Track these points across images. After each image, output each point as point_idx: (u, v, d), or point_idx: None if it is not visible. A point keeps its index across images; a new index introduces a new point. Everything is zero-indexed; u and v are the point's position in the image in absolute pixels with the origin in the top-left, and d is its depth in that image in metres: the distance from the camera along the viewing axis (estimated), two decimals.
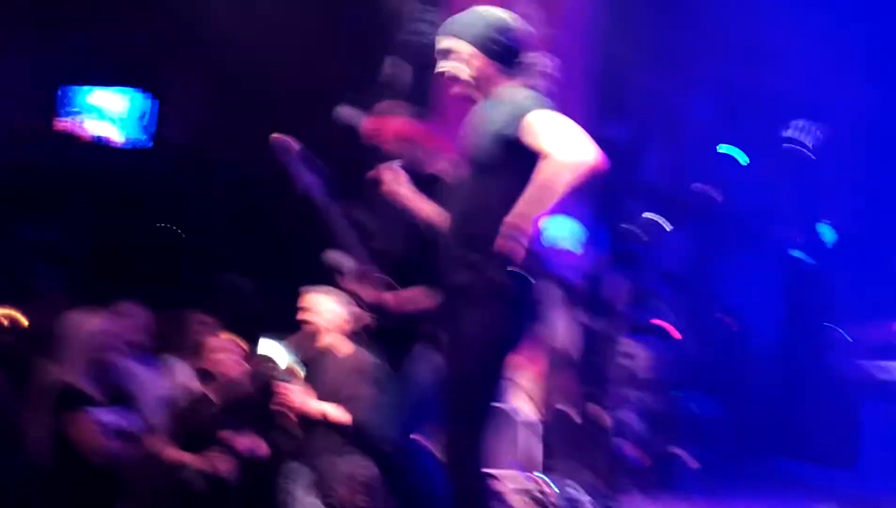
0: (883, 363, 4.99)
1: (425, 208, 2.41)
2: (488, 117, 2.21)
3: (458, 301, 2.16)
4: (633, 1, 5.07)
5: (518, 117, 2.14)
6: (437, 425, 2.29)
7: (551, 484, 3.51)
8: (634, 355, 4.53)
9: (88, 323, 3.04)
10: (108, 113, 8.12)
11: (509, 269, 2.08)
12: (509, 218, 2.07)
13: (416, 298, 2.53)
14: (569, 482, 3.60)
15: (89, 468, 2.93)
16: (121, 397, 3.10)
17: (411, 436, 2.55)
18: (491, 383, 2.18)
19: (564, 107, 2.24)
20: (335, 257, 2.77)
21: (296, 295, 3.56)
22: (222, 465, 3.23)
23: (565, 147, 2.06)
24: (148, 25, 7.11)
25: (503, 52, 2.25)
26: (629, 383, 4.39)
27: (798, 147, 5.76)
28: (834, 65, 5.50)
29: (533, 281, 2.16)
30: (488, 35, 2.25)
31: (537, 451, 3.71)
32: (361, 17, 5.55)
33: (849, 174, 6.13)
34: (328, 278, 3.91)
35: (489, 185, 2.17)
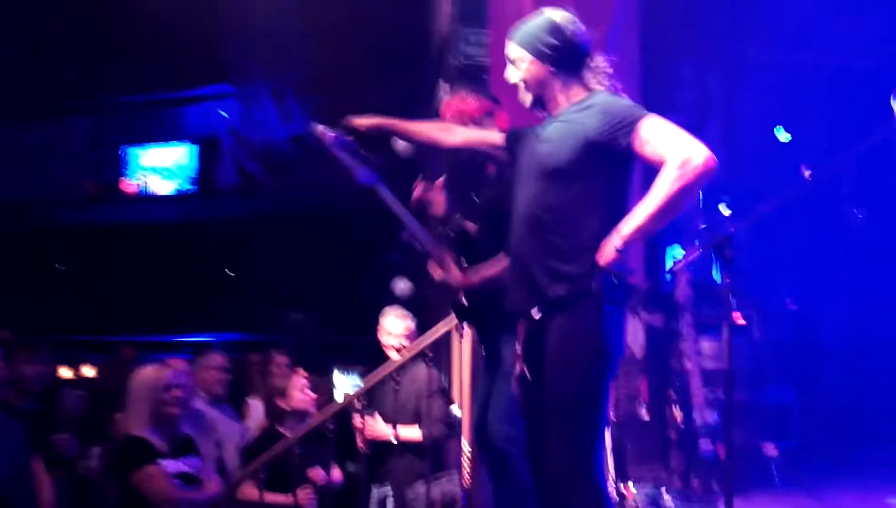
0: None
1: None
2: (574, 124, 2.16)
3: (558, 315, 2.10)
4: None
5: (621, 124, 2.10)
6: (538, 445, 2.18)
7: (631, 488, 3.47)
8: (703, 350, 4.44)
9: (154, 375, 3.11)
10: (163, 168, 8.48)
11: (607, 277, 2.05)
12: (625, 231, 2.04)
13: (499, 274, 2.45)
14: (648, 484, 3.55)
15: None
16: (190, 446, 3.14)
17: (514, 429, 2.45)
18: (601, 399, 2.11)
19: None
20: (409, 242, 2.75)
21: (358, 325, 3.65)
22: (306, 501, 3.30)
23: (687, 154, 2.02)
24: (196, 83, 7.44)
25: (558, 56, 2.20)
26: (702, 379, 4.31)
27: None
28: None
29: (628, 288, 2.13)
30: (540, 38, 2.20)
31: (610, 456, 3.67)
32: (412, 42, 5.68)
33: None
34: (390, 302, 4.00)
35: (574, 193, 2.13)
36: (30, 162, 8.52)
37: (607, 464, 3.47)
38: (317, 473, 3.41)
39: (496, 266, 2.50)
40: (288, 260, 8.86)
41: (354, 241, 7.52)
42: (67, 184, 8.46)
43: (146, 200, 8.37)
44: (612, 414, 3.69)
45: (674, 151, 2.04)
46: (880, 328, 5.72)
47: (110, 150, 8.39)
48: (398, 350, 3.53)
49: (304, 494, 3.29)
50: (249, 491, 3.29)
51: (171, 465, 3.03)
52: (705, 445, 3.62)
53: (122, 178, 8.44)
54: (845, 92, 5.61)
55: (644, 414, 4.02)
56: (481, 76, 4.12)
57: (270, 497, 3.28)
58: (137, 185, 8.49)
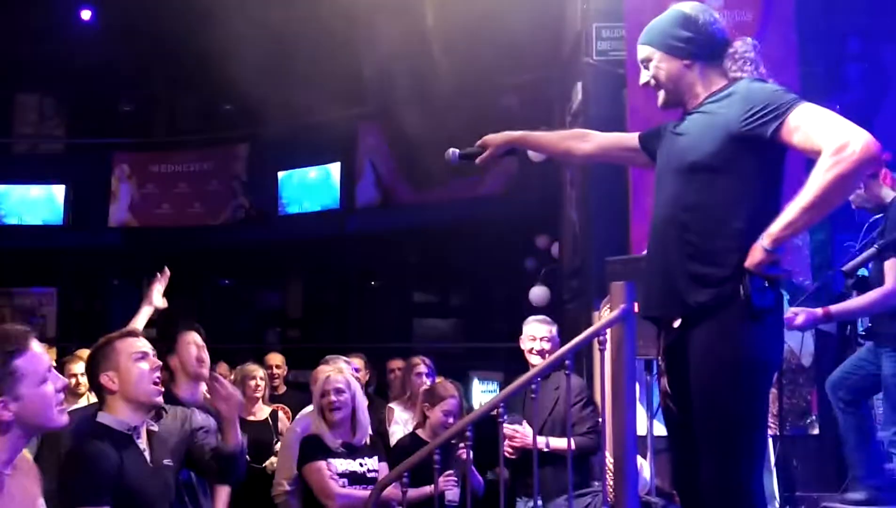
0: None
1: None
2: (714, 115, 2.01)
3: (702, 323, 1.96)
4: None
5: (766, 112, 1.93)
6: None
7: None
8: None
9: (319, 377, 3.28)
10: (308, 187, 8.96)
11: (757, 281, 1.89)
12: (775, 229, 1.87)
13: None
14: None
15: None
16: (369, 448, 3.28)
17: None
18: (756, 417, 1.95)
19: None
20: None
21: (495, 332, 3.63)
22: (447, 485, 3.28)
23: (844, 139, 1.83)
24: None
25: (693, 48, 2.07)
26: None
27: None
28: None
29: (782, 292, 1.99)
30: (669, 33, 2.09)
31: (774, 479, 3.38)
32: (545, 44, 5.65)
33: None
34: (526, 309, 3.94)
35: (716, 189, 1.97)
36: (196, 187, 9.30)
37: (770, 488, 3.21)
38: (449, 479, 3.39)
39: None
40: (425, 270, 9.07)
41: (491, 249, 7.56)
42: (228, 207, 9.16)
43: (296, 218, 8.87)
44: (775, 430, 3.41)
45: (829, 137, 1.86)
46: None
47: (265, 174, 8.98)
48: (541, 355, 3.46)
49: (445, 479, 3.26)
50: (392, 492, 3.34)
51: (343, 464, 3.16)
52: (891, 465, 3.24)
53: (275, 200, 9.00)
54: None
55: (814, 430, 3.68)
56: (618, 71, 4.00)
57: (413, 493, 3.31)
58: (286, 205, 9.03)
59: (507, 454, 3.28)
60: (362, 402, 3.32)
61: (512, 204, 7.02)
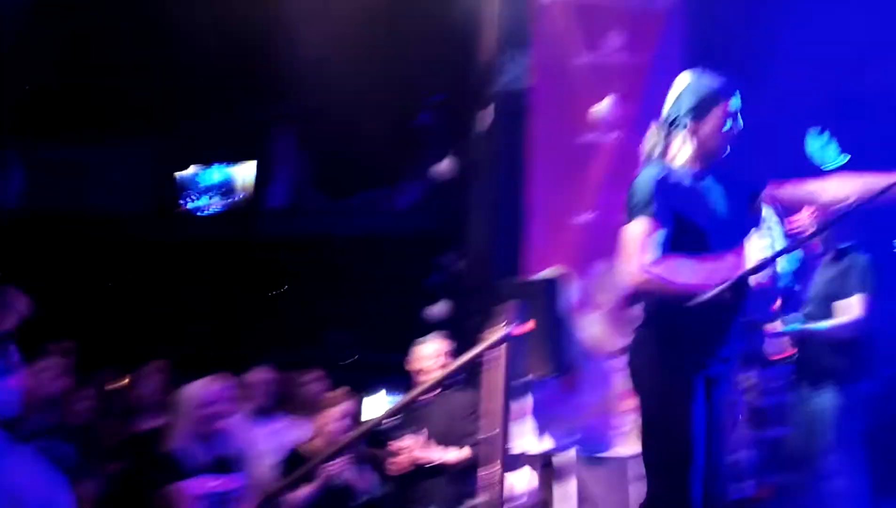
0: None
1: None
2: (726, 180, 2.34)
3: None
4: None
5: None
6: None
7: None
8: (751, 387, 4.29)
9: (198, 391, 3.17)
10: (218, 188, 8.73)
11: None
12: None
13: None
14: None
15: None
16: (228, 461, 3.17)
17: None
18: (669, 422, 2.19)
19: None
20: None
21: (396, 347, 3.68)
22: (336, 470, 3.23)
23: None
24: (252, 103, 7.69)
25: None
26: (748, 417, 4.14)
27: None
28: None
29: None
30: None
31: None
32: (451, 67, 5.75)
33: None
34: (427, 328, 4.03)
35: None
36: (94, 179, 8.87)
37: None
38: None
39: None
40: (330, 281, 8.99)
41: (400, 262, 7.60)
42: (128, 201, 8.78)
43: (199, 218, 8.62)
44: None
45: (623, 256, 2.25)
46: None
47: (171, 170, 8.69)
48: (431, 371, 3.53)
49: (332, 466, 3.23)
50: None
51: (204, 482, 3.06)
52: (746, 488, 3.46)
53: (178, 196, 8.72)
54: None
55: None
56: (522, 104, 4.13)
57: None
58: (191, 203, 8.77)
59: (392, 469, 3.33)
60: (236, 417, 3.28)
61: (420, 219, 7.11)
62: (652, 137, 2.35)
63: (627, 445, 3.32)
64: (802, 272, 3.60)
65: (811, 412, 3.42)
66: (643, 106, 4.12)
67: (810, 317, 3.50)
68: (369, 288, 8.60)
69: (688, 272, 2.13)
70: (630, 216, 2.21)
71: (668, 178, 2.25)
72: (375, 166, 7.29)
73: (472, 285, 5.37)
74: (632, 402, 3.01)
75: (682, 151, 2.30)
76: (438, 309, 6.10)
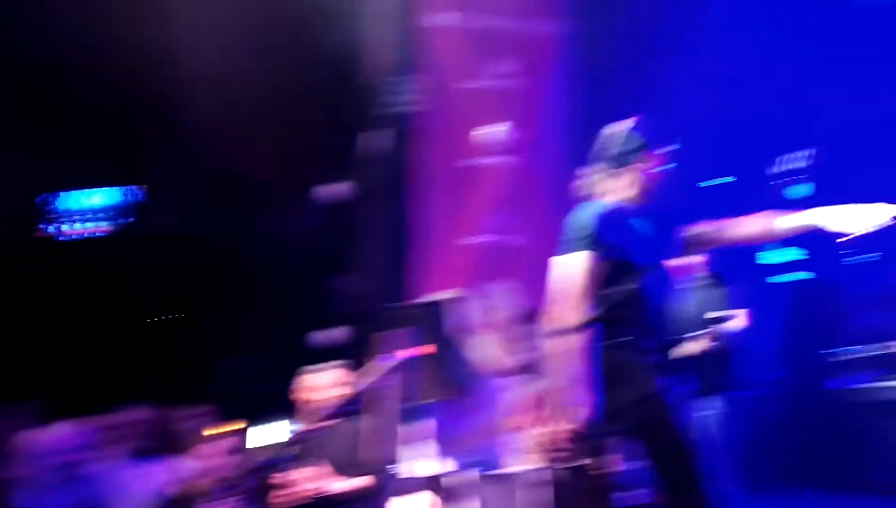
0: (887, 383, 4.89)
1: None
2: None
3: None
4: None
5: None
6: None
7: None
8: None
9: (48, 437, 2.98)
10: (88, 211, 8.26)
11: None
12: None
13: None
14: None
15: None
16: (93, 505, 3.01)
17: None
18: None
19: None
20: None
21: (290, 375, 3.58)
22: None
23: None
24: (126, 125, 7.34)
25: None
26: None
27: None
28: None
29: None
30: None
31: None
32: (337, 91, 5.73)
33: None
34: (321, 356, 3.95)
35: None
36: None
37: None
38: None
39: None
40: (228, 305, 8.66)
41: (298, 287, 7.44)
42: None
43: (75, 243, 8.11)
44: (548, 470, 3.64)
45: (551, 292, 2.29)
46: (809, 367, 5.80)
47: (46, 193, 8.14)
48: (323, 402, 3.46)
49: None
50: None
51: None
52: (638, 496, 3.57)
53: (51, 222, 8.18)
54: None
55: (583, 468, 3.91)
56: (406, 126, 4.16)
57: None
58: (65, 229, 8.24)
59: (282, 503, 3.23)
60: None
61: (317, 243, 6.98)
62: (589, 176, 2.46)
63: (524, 461, 3.38)
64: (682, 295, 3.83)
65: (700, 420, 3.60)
66: (533, 130, 4.25)
67: (689, 335, 3.71)
68: (263, 314, 8.37)
69: (580, 369, 2.24)
70: (568, 249, 2.26)
71: (609, 214, 2.36)
72: (265, 189, 7.11)
73: (364, 310, 5.33)
74: (524, 419, 3.08)
75: (619, 189, 2.43)
76: (332, 335, 6.01)
